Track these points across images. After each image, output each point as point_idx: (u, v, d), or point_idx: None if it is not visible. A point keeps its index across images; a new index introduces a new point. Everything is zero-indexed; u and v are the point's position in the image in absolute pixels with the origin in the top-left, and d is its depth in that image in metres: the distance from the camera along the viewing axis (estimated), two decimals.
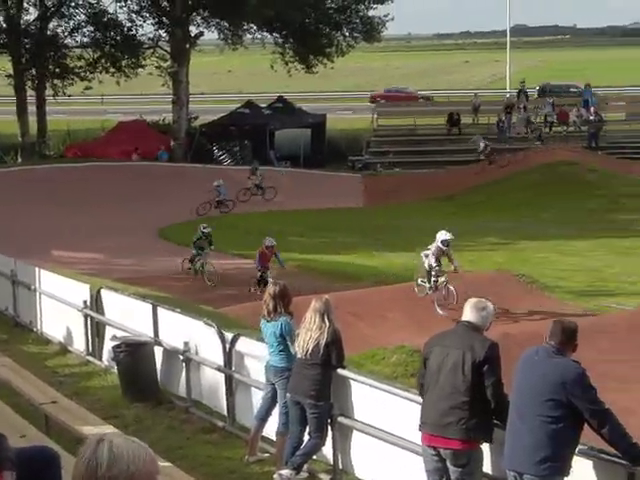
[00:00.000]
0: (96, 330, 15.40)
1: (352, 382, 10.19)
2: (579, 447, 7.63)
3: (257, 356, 11.39)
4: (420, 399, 8.66)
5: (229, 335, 12.15)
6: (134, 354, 13.23)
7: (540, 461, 7.50)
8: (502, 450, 7.92)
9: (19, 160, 49.01)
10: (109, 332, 14.77)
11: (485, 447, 8.36)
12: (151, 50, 51.00)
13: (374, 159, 49.28)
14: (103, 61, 50.51)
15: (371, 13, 53.90)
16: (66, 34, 51.74)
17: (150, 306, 13.97)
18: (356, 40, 54.21)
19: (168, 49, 50.67)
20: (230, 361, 12.07)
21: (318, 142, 52.17)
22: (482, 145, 43.30)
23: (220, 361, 12.22)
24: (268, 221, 34.97)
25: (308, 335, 10.01)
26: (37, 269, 17.83)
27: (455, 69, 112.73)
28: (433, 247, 22.36)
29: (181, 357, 13.00)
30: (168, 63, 50.20)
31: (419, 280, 22.44)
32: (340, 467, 10.42)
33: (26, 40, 50.60)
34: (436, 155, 47.80)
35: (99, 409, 12.56)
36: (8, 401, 11.77)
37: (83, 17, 51.43)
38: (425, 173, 45.15)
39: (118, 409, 12.90)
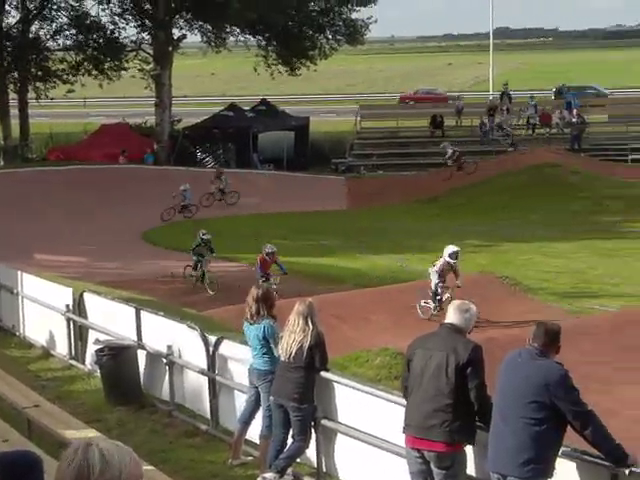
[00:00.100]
0: (79, 334, 15.36)
1: (335, 385, 10.19)
2: (562, 449, 7.64)
3: (241, 359, 11.38)
4: (404, 401, 8.66)
5: (212, 338, 12.13)
6: (117, 358, 13.20)
7: (523, 463, 7.51)
8: (486, 452, 7.92)
9: (1, 163, 48.84)
10: (92, 336, 14.72)
11: (469, 449, 8.36)
12: (134, 53, 50.89)
13: (357, 162, 49.27)
14: (86, 64, 50.35)
15: (354, 16, 53.98)
16: (48, 37, 51.57)
17: (133, 309, 13.94)
18: (339, 43, 54.21)
19: (151, 52, 50.56)
20: (213, 364, 12.05)
21: (301, 145, 52.15)
22: (450, 151, 43.21)
23: (203, 364, 12.19)
24: (251, 224, 34.94)
25: (291, 338, 10.01)
26: (19, 273, 17.76)
27: (438, 71, 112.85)
28: (439, 262, 21.78)
29: (164, 360, 12.97)
30: (151, 66, 50.09)
31: (422, 302, 21.74)
32: (324, 470, 10.42)
33: (8, 43, 50.39)
34: (419, 157, 47.79)
35: (82, 413, 12.52)
36: None
37: (65, 20, 51.24)
38: (409, 175, 45.14)
39: (101, 413, 12.87)
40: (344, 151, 50.69)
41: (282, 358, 10.12)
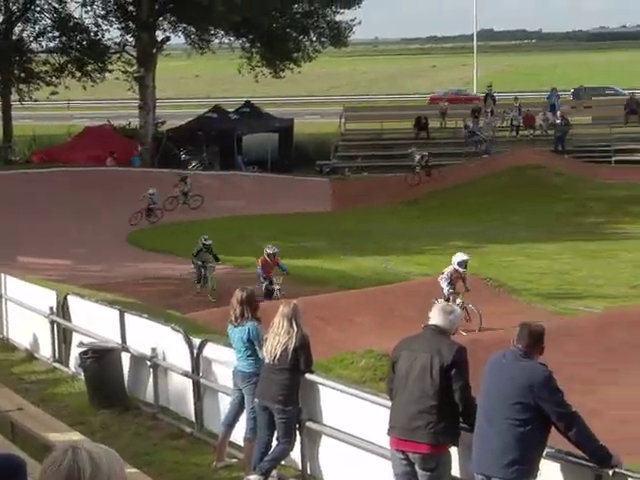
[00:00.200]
0: (63, 336, 15.30)
1: (320, 387, 10.18)
2: (547, 450, 7.66)
3: (225, 362, 11.36)
4: (388, 403, 8.66)
5: (197, 341, 12.11)
6: (101, 360, 13.16)
7: (508, 464, 7.52)
8: (470, 453, 7.93)
9: None
10: (76, 338, 14.66)
11: (453, 451, 8.37)
12: (117, 55, 50.79)
13: (342, 163, 49.30)
14: (69, 66, 50.22)
15: (338, 18, 54.03)
16: (32, 39, 51.42)
17: (117, 312, 13.90)
18: (323, 45, 54.23)
19: (134, 54, 50.47)
20: (198, 367, 12.03)
21: (286, 147, 52.13)
22: (418, 157, 43.22)
23: (188, 367, 12.17)
24: (236, 226, 34.94)
25: (276, 340, 10.00)
26: (3, 275, 17.68)
27: (422, 73, 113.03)
28: (448, 270, 21.61)
29: (148, 363, 12.94)
30: (134, 68, 50.01)
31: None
32: (308, 472, 10.41)
33: None
34: (404, 159, 47.81)
35: (66, 416, 12.48)
36: None
37: (49, 22, 51.12)
38: (393, 177, 45.19)
39: (85, 416, 12.83)
40: (328, 153, 50.70)
41: (266, 360, 10.11)
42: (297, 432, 10.23)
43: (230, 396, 11.05)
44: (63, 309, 15.24)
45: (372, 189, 43.01)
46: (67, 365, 15.12)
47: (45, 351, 15.75)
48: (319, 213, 39.40)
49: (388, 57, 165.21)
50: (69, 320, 15.20)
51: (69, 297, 15.41)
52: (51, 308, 15.36)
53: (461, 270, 21.48)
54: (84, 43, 50.48)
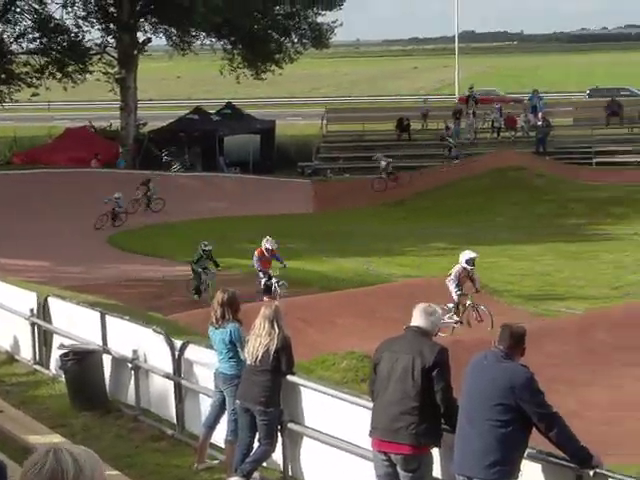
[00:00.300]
0: (43, 339, 15.23)
1: (302, 388, 10.17)
2: (528, 450, 7.67)
3: (206, 363, 11.34)
4: (370, 405, 8.66)
5: (178, 342, 12.08)
6: (82, 362, 13.11)
7: (489, 465, 7.53)
8: (452, 455, 7.93)
9: None
10: (57, 340, 14.61)
11: (435, 452, 8.37)
12: (98, 56, 50.65)
13: (324, 165, 49.32)
14: (50, 67, 50.05)
15: (320, 20, 54.06)
16: (12, 40, 51.20)
17: (98, 314, 13.86)
18: (305, 46, 54.25)
19: (115, 55, 50.37)
20: (179, 369, 12.00)
21: (267, 148, 52.11)
22: (384, 163, 43.22)
23: (169, 369, 12.14)
24: (217, 228, 34.88)
25: (258, 341, 9.98)
26: None
27: (404, 75, 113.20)
28: (455, 269, 21.48)
29: (130, 365, 12.90)
30: (116, 69, 49.91)
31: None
32: (290, 474, 10.40)
33: None
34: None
35: (46, 418, 12.44)
36: None
37: (29, 23, 50.92)
38: (374, 179, 45.21)
39: (66, 418, 12.78)
40: (310, 154, 50.70)
41: (248, 362, 10.10)
42: (279, 434, 10.22)
43: (211, 398, 11.04)
44: (44, 311, 15.17)
45: (354, 190, 43.04)
46: (48, 367, 15.05)
47: (26, 353, 15.69)
48: (301, 214, 39.40)
49: (370, 59, 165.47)
50: (50, 322, 15.14)
51: (50, 299, 15.35)
52: (32, 310, 15.30)
53: (469, 268, 21.34)
54: (65, 44, 50.29)
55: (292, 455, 10.37)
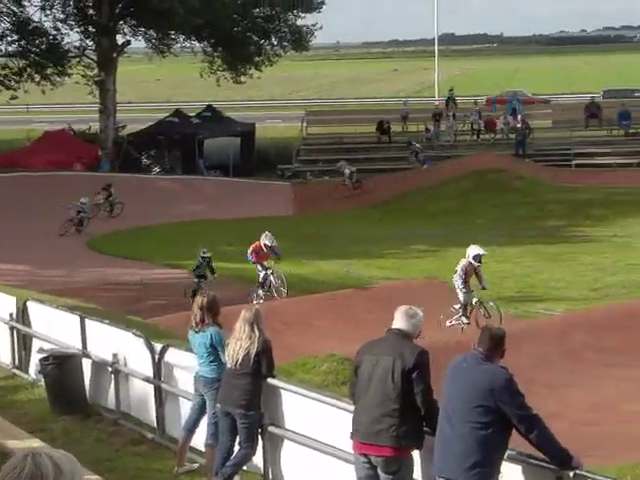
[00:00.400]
0: (23, 343, 15.17)
1: (282, 391, 10.16)
2: (508, 452, 7.68)
3: (186, 367, 11.32)
4: (351, 407, 8.66)
5: (158, 346, 12.05)
6: (62, 367, 13.06)
7: (470, 467, 7.53)
8: (432, 457, 7.94)
9: None
10: (36, 344, 14.54)
11: (416, 454, 8.37)
12: (77, 59, 50.51)
13: (304, 167, 49.31)
14: (29, 70, 49.87)
15: (299, 22, 54.10)
16: None
17: (78, 318, 13.80)
18: (284, 49, 54.29)
19: (95, 58, 50.24)
20: (159, 372, 11.97)
21: (247, 151, 52.08)
22: (347, 172, 43.24)
23: (149, 372, 12.11)
24: (197, 230, 34.81)
25: (238, 345, 9.97)
26: None
27: (384, 77, 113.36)
28: (461, 264, 21.32)
29: (110, 369, 12.86)
30: (95, 72, 49.78)
31: (447, 323, 21.10)
32: (271, 477, 10.39)
33: None
34: (366, 163, 47.94)
35: (26, 423, 12.38)
36: None
37: (7, 25, 50.75)
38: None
39: (46, 422, 12.73)
40: (290, 157, 50.72)
41: (228, 365, 10.09)
42: (259, 437, 10.20)
43: (191, 401, 11.01)
44: (23, 315, 15.11)
45: (333, 193, 43.03)
46: (27, 371, 14.99)
47: (4, 357, 15.61)
48: (280, 217, 39.34)
49: (350, 61, 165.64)
50: (29, 326, 15.08)
51: (29, 303, 15.28)
52: (10, 314, 15.23)
53: (476, 264, 21.23)
54: (43, 47, 50.14)
55: (273, 458, 10.35)
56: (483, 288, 21.46)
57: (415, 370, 8.13)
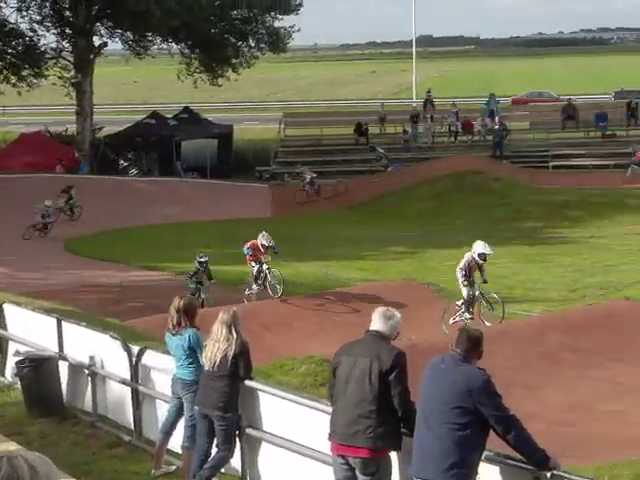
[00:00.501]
0: None
1: (260, 393, 10.14)
2: (485, 453, 7.69)
3: (164, 369, 11.28)
4: (329, 409, 8.66)
5: (135, 348, 12.01)
6: (38, 369, 13.00)
7: (448, 468, 7.54)
8: (410, 458, 7.94)
9: None
10: (12, 347, 14.48)
11: (393, 455, 8.37)
12: (54, 60, 50.33)
13: (281, 169, 49.29)
14: (5, 71, 49.64)
15: (277, 24, 54.10)
16: None
17: (54, 320, 13.75)
18: (262, 51, 54.27)
19: (71, 59, 50.07)
20: (136, 374, 11.93)
21: (225, 153, 52.01)
22: (308, 177, 43.26)
23: (126, 375, 12.07)
24: (175, 232, 34.77)
25: (216, 347, 9.95)
26: None
27: (362, 79, 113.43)
28: (465, 259, 21.24)
29: (87, 371, 12.81)
30: (72, 73, 49.61)
31: (450, 320, 21.09)
32: (248, 479, 10.36)
33: None
34: (343, 165, 47.99)
35: (2, 426, 12.33)
36: None
37: None
38: (332, 183, 45.29)
39: (22, 426, 12.66)
40: (268, 159, 50.69)
41: (206, 367, 10.07)
42: (237, 439, 10.18)
43: (169, 403, 10.98)
44: None
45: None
46: (3, 374, 14.91)
47: None
48: (258, 219, 39.29)
49: (327, 63, 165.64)
50: (5, 329, 15.01)
51: (5, 305, 15.21)
52: None
53: (480, 262, 21.21)
54: (20, 48, 49.92)
55: (250, 460, 10.33)
56: (484, 281, 21.44)
57: (392, 372, 8.13)
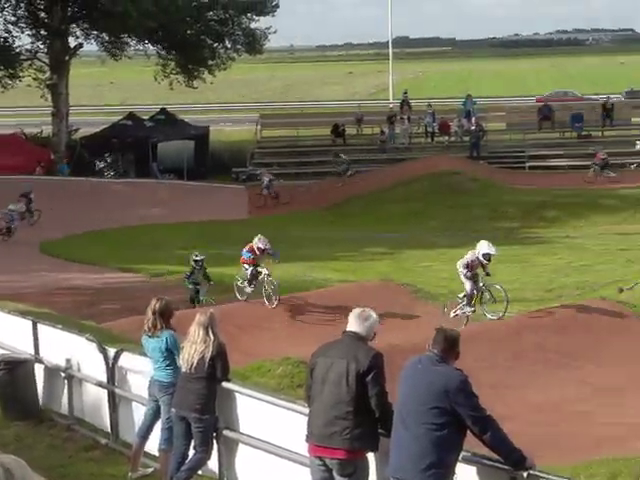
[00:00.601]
0: None
1: (237, 395, 10.12)
2: (462, 453, 7.70)
3: (141, 371, 11.25)
4: (306, 410, 8.65)
5: (112, 350, 11.97)
6: (13, 372, 12.95)
7: (425, 468, 7.54)
8: (387, 459, 7.94)
9: None
10: None
11: (371, 456, 8.37)
12: (29, 62, 50.14)
13: (258, 170, 49.24)
14: None
15: (253, 25, 54.09)
16: None
17: (30, 323, 13.69)
18: (238, 52, 54.25)
19: (47, 61, 49.89)
20: (113, 377, 11.89)
21: (201, 154, 51.96)
22: (266, 180, 43.26)
23: (103, 377, 12.02)
24: (151, 234, 34.69)
25: (193, 349, 9.93)
26: None
27: (338, 80, 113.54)
28: (468, 257, 21.17)
29: (63, 374, 12.76)
30: (47, 75, 49.44)
31: (451, 313, 21.09)
32: None
33: None
34: (320, 166, 48.01)
35: None
36: None
37: None
38: (308, 184, 45.31)
39: None
40: (244, 160, 50.65)
41: (183, 369, 10.04)
42: (214, 441, 10.16)
43: (145, 406, 10.95)
44: None
45: (287, 196, 43.03)
46: None
47: None
48: (235, 220, 39.30)
49: (304, 64, 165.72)
50: None
51: None
52: None
53: (484, 262, 21.12)
54: None
55: (228, 462, 10.31)
56: (487, 274, 21.40)
57: (370, 373, 8.12)
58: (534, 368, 17.76)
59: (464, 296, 21.32)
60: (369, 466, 8.37)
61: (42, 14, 50.23)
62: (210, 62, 52.90)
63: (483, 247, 21.18)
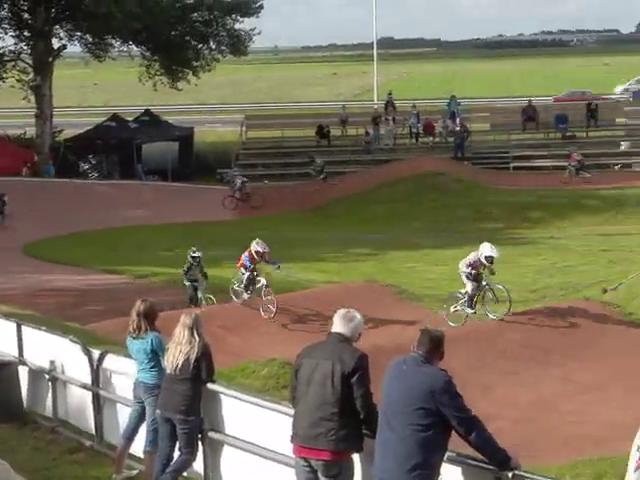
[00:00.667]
0: None
1: (222, 396, 10.10)
2: (447, 453, 7.70)
3: (125, 373, 11.22)
4: (291, 411, 8.64)
5: (96, 352, 11.93)
6: None
7: (410, 469, 7.54)
8: (372, 459, 7.94)
9: None
10: None
11: (356, 457, 8.37)
12: (12, 63, 49.99)
13: (243, 172, 49.18)
14: None
15: (238, 27, 54.06)
16: None
17: (14, 324, 13.64)
18: (223, 53, 54.20)
19: (30, 62, 49.76)
20: (97, 379, 11.86)
21: (186, 155, 51.89)
22: (239, 182, 43.22)
23: (87, 379, 11.99)
24: (136, 235, 34.63)
25: (178, 350, 9.91)
26: None
27: (323, 81, 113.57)
28: (471, 258, 21.23)
29: (47, 376, 12.72)
30: (30, 76, 49.30)
31: (451, 308, 21.21)
32: None
33: None
34: (305, 167, 47.96)
35: None
36: None
37: None
38: (293, 185, 45.30)
39: None
40: (229, 161, 50.57)
41: (168, 371, 10.02)
42: (199, 442, 10.14)
43: (130, 408, 10.92)
44: None
45: (273, 197, 43.03)
46: None
47: None
48: (220, 222, 39.27)
49: (289, 65, 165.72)
50: None
51: None
52: None
53: (486, 264, 21.16)
54: None
55: (213, 464, 10.29)
56: (492, 273, 21.42)
57: (355, 374, 8.12)
58: (519, 367, 17.81)
59: (465, 293, 21.36)
60: (354, 467, 8.36)
61: (25, 15, 50.11)
62: (194, 63, 52.85)
63: (486, 249, 21.24)
